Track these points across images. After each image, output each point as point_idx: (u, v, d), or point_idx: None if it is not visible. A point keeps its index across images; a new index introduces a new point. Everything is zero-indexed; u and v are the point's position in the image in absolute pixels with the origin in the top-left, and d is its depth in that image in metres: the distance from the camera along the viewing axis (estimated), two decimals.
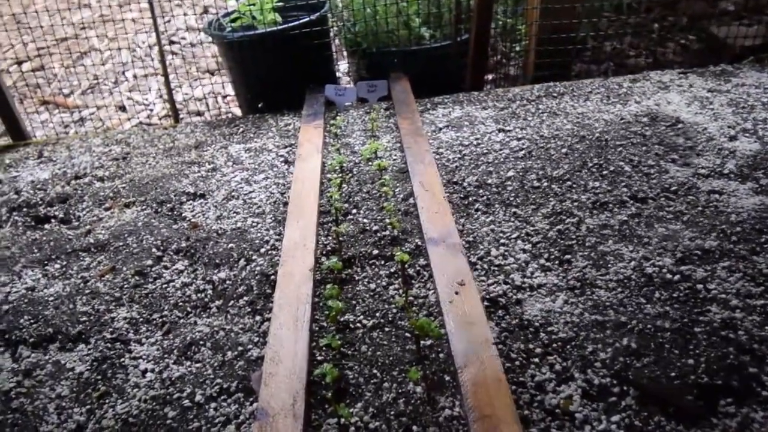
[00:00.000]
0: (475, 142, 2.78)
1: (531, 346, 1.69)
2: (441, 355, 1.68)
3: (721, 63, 3.61)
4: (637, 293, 1.85)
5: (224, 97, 4.20)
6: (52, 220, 2.54)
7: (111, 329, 1.91)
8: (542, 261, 2.01)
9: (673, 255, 1.97)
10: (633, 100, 3.15)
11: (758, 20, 4.28)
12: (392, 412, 1.53)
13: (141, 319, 1.94)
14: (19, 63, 4.71)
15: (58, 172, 2.93)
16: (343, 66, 3.79)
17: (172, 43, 5.05)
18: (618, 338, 1.68)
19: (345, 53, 3.67)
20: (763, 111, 2.93)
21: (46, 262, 2.25)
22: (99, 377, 1.74)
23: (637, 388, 1.55)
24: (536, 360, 1.65)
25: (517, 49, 3.76)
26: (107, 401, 1.66)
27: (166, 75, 3.46)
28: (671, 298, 1.82)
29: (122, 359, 1.80)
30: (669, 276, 1.89)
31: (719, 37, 4.03)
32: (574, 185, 2.40)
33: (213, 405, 1.61)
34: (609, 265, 1.96)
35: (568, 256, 2.02)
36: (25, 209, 2.61)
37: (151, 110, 4.17)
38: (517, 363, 1.64)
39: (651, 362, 1.61)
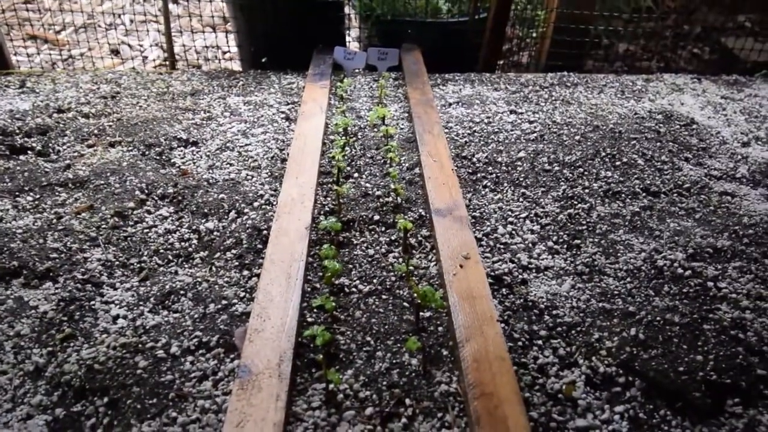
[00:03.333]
0: (486, 120, 2.67)
1: (535, 327, 1.59)
2: (440, 329, 1.58)
3: (733, 74, 3.55)
4: (647, 285, 1.76)
5: (225, 52, 4.02)
6: (29, 152, 2.36)
7: (83, 270, 1.76)
8: (550, 243, 1.91)
9: (685, 250, 1.89)
10: (647, 97, 3.07)
11: None
12: (385, 383, 1.42)
13: (117, 263, 1.80)
14: None
15: (40, 104, 2.74)
16: (354, 32, 3.65)
17: None
18: (625, 328, 1.60)
19: (357, 18, 3.52)
20: None
21: (17, 193, 2.08)
22: (65, 318, 1.59)
23: (643, 379, 1.46)
24: (540, 342, 1.55)
25: (534, 35, 3.66)
26: (72, 344, 1.52)
27: (167, 21, 3.27)
28: (681, 293, 1.74)
29: (92, 302, 1.65)
30: (680, 271, 1.81)
31: (731, 49, 3.99)
32: (586, 172, 2.30)
33: (189, 358, 1.48)
34: (619, 254, 1.88)
35: (577, 241, 1.93)
36: (0, 137, 2.43)
37: (146, 57, 3.97)
38: (519, 344, 1.55)
39: (659, 355, 1.52)
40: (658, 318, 1.63)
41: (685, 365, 1.49)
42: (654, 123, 2.74)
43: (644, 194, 2.19)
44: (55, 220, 1.96)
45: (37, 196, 2.07)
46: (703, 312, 1.67)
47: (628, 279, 1.78)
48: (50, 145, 2.40)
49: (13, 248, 1.81)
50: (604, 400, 1.41)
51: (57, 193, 2.10)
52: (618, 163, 2.38)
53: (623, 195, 2.18)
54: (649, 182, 2.26)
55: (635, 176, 2.29)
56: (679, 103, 3.01)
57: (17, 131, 2.47)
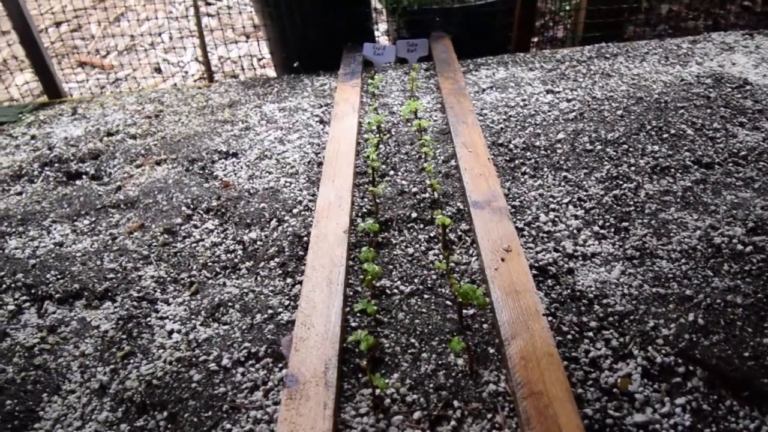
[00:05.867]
0: (521, 104, 2.59)
1: (584, 318, 1.54)
2: (485, 326, 1.55)
3: None
4: (704, 265, 1.67)
5: (260, 59, 4.08)
6: (83, 176, 2.48)
7: (138, 287, 1.84)
8: (596, 228, 1.84)
9: (744, 224, 1.78)
10: (694, 61, 2.89)
11: None
12: (431, 385, 1.41)
13: (169, 279, 1.87)
14: (57, 24, 4.68)
15: (91, 129, 2.88)
16: (382, 26, 3.62)
17: (208, 4, 4.94)
18: (683, 313, 1.52)
19: (384, 12, 3.49)
20: None
21: (75, 218, 2.19)
22: (124, 336, 1.67)
23: (705, 368, 1.39)
24: (590, 334, 1.50)
25: (567, 7, 3.52)
26: (131, 361, 1.59)
27: (201, 36, 3.35)
28: (743, 271, 1.64)
29: (148, 319, 1.73)
30: (740, 247, 1.70)
31: None
32: (631, 149, 2.20)
33: (240, 370, 1.52)
34: (671, 234, 1.79)
35: (625, 224, 1.85)
36: (57, 164, 2.57)
37: (186, 72, 4.09)
38: (569, 337, 1.50)
39: (721, 340, 1.44)
40: (718, 300, 1.54)
41: (752, 350, 1.41)
42: (703, 88, 2.58)
43: (696, 167, 2.08)
44: (110, 241, 2.05)
45: (93, 219, 2.18)
46: None
47: (683, 260, 1.69)
48: (102, 168, 2.52)
49: (74, 271, 1.91)
50: (664, 392, 1.35)
51: (111, 215, 2.20)
52: (665, 135, 2.26)
53: (673, 170, 2.07)
54: (700, 153, 2.13)
55: (685, 148, 2.17)
56: (729, 63, 2.82)
57: (72, 157, 2.60)
